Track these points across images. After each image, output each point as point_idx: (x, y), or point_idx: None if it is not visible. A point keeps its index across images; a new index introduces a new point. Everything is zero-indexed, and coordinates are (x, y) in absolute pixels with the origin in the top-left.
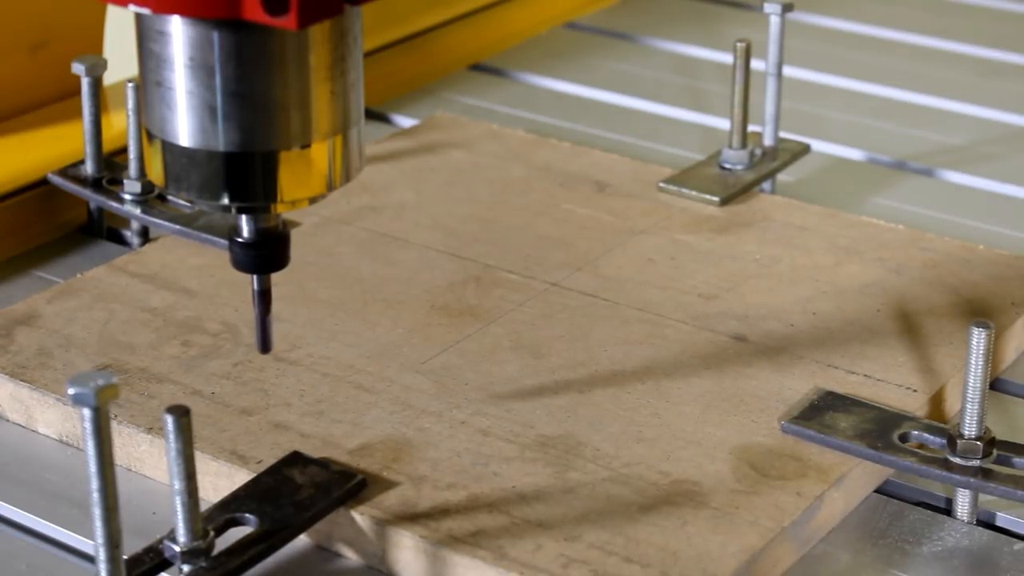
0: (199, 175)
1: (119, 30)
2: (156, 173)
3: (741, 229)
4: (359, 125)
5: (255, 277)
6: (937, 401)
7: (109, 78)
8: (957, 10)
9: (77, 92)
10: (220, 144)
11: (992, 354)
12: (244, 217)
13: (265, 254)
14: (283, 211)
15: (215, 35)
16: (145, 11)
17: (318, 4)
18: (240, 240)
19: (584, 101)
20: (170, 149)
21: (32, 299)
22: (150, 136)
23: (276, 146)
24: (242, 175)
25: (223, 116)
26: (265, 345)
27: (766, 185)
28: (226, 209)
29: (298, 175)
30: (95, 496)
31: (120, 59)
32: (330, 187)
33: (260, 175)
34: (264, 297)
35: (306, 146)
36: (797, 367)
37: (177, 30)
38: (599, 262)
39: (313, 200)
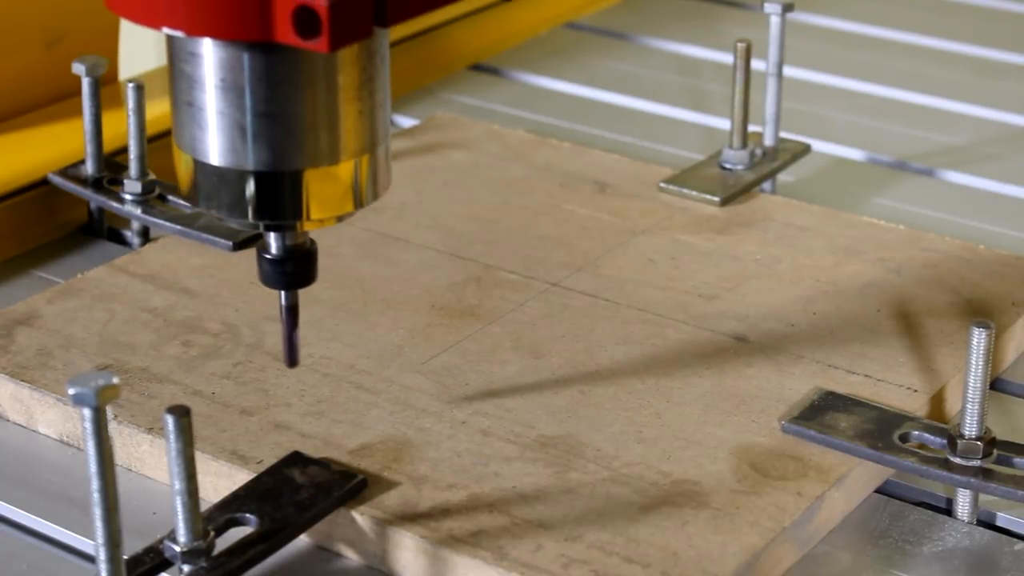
0: (229, 193)
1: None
2: (187, 191)
3: (741, 229)
4: (386, 143)
5: (283, 293)
6: (937, 401)
7: (122, 74)
8: (957, 10)
9: None
10: (250, 163)
11: (992, 354)
12: (272, 234)
13: (293, 270)
14: (311, 228)
15: (246, 57)
16: (179, 34)
17: (349, 27)
18: (268, 256)
19: (584, 101)
20: (201, 168)
21: (32, 299)
22: (180, 154)
23: (305, 165)
24: (271, 193)
25: (253, 136)
26: (292, 359)
27: (766, 185)
28: (254, 226)
29: (326, 193)
30: (95, 496)
31: (133, 56)
32: (358, 205)
33: (289, 193)
34: (291, 313)
35: (334, 165)
36: (797, 367)
37: (208, 52)
38: (600, 262)
39: (340, 218)
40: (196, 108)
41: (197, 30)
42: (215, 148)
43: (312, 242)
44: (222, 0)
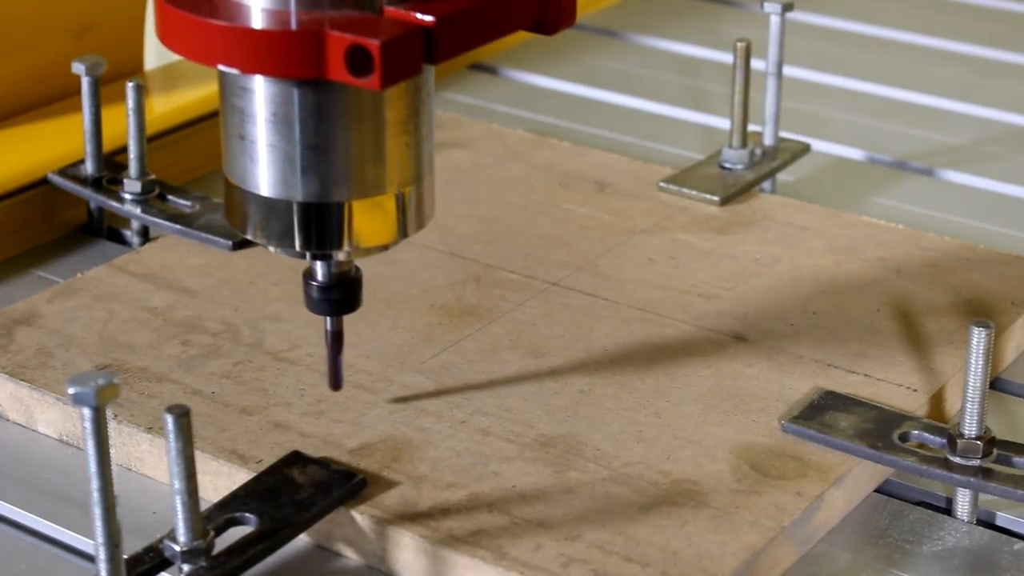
0: (278, 223)
1: None
2: (238, 221)
3: (741, 229)
4: (431, 174)
5: (328, 318)
6: (937, 401)
7: (149, 64)
8: (957, 10)
9: (119, 77)
10: (299, 194)
11: (992, 354)
12: (319, 262)
13: (339, 297)
14: (357, 257)
15: (297, 92)
16: (234, 71)
17: (400, 65)
18: (315, 283)
19: (584, 101)
20: (251, 199)
21: (32, 299)
22: (231, 185)
23: (352, 196)
24: (319, 223)
25: (302, 168)
26: (337, 383)
27: (766, 185)
28: (301, 255)
29: (373, 223)
30: (95, 496)
31: (160, 46)
32: (403, 234)
33: (336, 223)
34: (337, 337)
35: (381, 196)
36: (797, 367)
37: (260, 87)
38: (599, 262)
39: (385, 247)
40: (247, 141)
41: (252, 68)
42: (265, 180)
43: (357, 269)
44: (277, 40)
